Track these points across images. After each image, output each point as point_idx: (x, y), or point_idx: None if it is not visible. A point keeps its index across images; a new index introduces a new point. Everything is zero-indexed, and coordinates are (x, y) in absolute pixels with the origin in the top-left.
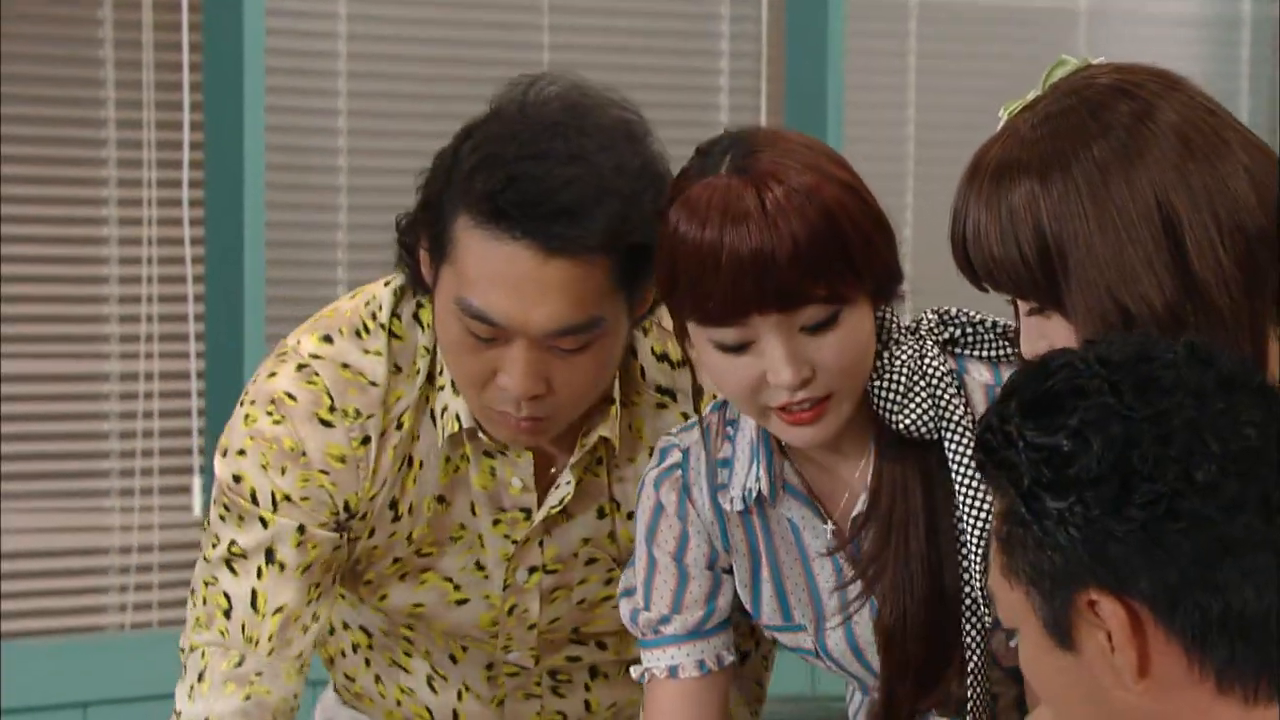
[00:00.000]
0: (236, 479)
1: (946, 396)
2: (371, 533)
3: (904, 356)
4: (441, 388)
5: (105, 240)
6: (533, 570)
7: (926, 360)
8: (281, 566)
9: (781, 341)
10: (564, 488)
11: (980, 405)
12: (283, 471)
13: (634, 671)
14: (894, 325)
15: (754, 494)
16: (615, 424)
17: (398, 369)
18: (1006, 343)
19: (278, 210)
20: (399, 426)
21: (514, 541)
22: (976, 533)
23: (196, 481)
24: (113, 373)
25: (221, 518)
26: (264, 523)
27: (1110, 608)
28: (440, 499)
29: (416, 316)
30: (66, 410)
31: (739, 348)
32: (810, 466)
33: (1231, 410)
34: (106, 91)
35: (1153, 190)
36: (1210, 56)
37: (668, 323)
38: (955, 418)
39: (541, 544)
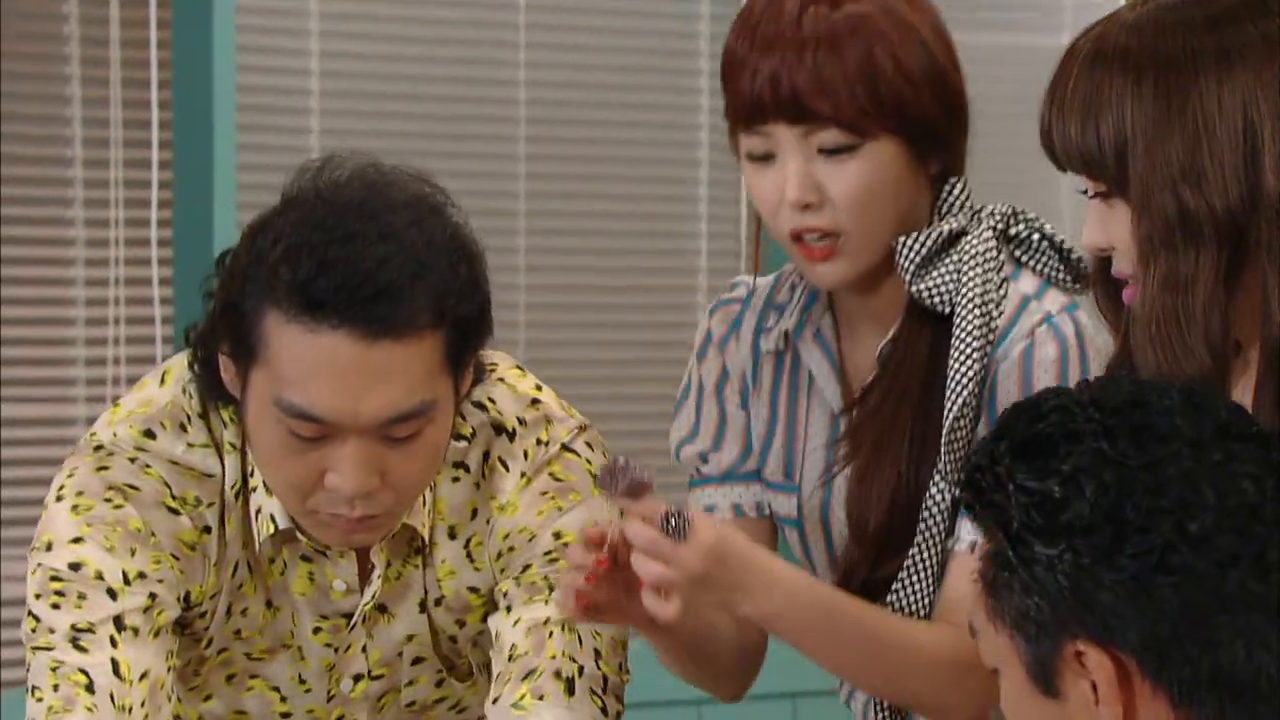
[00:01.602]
0: (75, 566)
1: (971, 272)
2: (209, 642)
3: (947, 228)
4: (254, 489)
5: (72, 281)
6: (358, 678)
7: (968, 237)
8: (135, 631)
9: (796, 157)
10: (375, 582)
11: (1010, 314)
12: (132, 553)
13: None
14: (957, 201)
15: (784, 336)
16: (423, 512)
17: (221, 462)
18: (1061, 265)
19: None
20: (224, 524)
21: (335, 649)
22: (954, 409)
23: None
24: (79, 417)
25: (55, 606)
26: (113, 594)
27: (1097, 659)
28: (269, 604)
29: (217, 408)
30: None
31: (763, 158)
32: (846, 331)
33: (1229, 461)
34: (74, 150)
35: (1241, 96)
36: None
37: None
38: (970, 294)
39: (365, 648)
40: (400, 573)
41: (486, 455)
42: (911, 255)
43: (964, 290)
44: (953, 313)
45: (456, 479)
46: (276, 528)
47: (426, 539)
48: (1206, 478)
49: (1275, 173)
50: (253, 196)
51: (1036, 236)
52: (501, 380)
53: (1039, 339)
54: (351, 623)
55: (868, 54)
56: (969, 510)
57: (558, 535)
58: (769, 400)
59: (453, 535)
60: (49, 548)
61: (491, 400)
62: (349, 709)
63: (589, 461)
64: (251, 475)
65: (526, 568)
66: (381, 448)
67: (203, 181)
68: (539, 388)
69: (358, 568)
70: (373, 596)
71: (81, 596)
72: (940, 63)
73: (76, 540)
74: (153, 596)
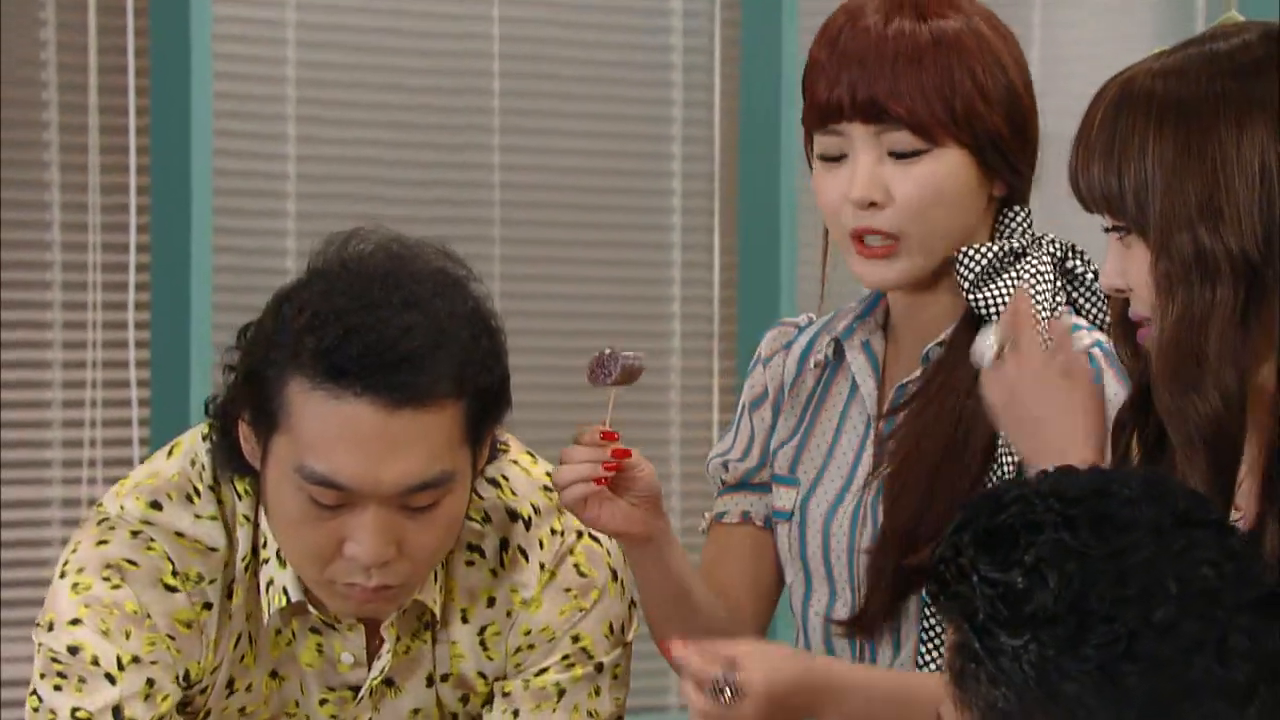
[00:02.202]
0: (73, 650)
1: (1032, 291)
2: (207, 714)
3: (1008, 245)
4: (266, 560)
5: (49, 364)
6: None
7: (1028, 258)
8: None
9: (866, 156)
10: (384, 657)
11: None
12: (127, 635)
13: (701, 525)
14: (1019, 227)
15: (833, 344)
16: (433, 588)
17: (229, 534)
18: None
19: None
20: (229, 596)
21: None
22: None
23: None
24: (54, 498)
25: (57, 688)
26: (111, 680)
27: None
28: (274, 674)
29: (231, 480)
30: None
31: (835, 158)
32: (893, 349)
33: (1189, 548)
34: (52, 234)
35: (1260, 144)
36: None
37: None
38: (1038, 299)
39: None
40: (409, 648)
41: (505, 544)
42: (971, 265)
43: (1036, 299)
44: None
45: (471, 562)
46: (288, 600)
47: (437, 614)
48: (1168, 565)
49: None
50: (230, 278)
51: (1090, 276)
52: (515, 462)
53: (1095, 357)
54: (359, 696)
55: (947, 68)
56: (934, 602)
57: (576, 639)
58: (801, 405)
59: (465, 619)
60: (50, 627)
61: (505, 478)
62: None
63: (609, 553)
64: (264, 547)
65: (542, 671)
66: (400, 517)
67: (180, 268)
68: (548, 473)
69: (366, 641)
70: (381, 671)
71: (82, 680)
72: (1017, 88)
73: (75, 622)
74: (150, 682)
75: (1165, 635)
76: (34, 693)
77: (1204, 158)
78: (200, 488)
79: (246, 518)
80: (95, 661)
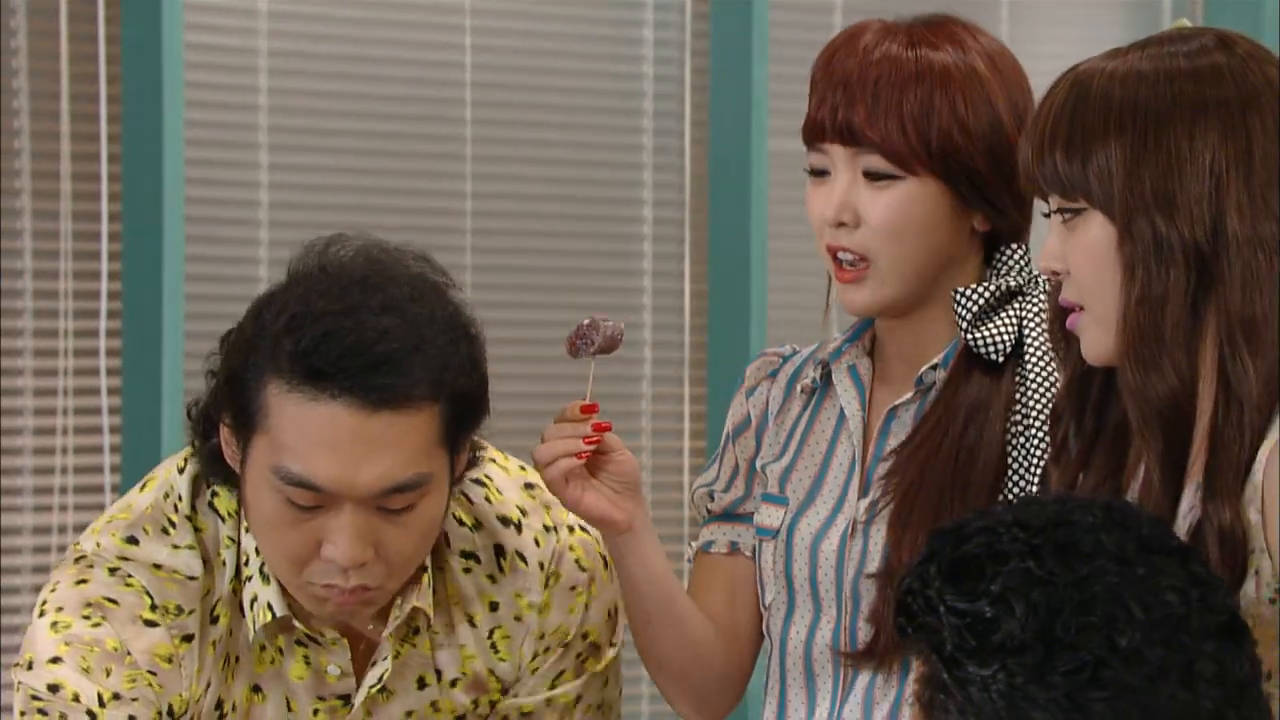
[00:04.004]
0: (54, 688)
1: (1036, 329)
2: None
3: (1004, 284)
4: (249, 578)
5: (20, 391)
6: None
7: (1027, 295)
8: None
9: (843, 177)
10: (381, 665)
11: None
12: (107, 673)
13: (688, 552)
14: (1015, 265)
15: (820, 367)
16: (427, 593)
17: (206, 562)
18: None
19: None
20: (214, 621)
21: None
22: (1034, 450)
23: None
24: (25, 526)
25: None
26: (93, 716)
27: None
28: (256, 689)
29: (212, 505)
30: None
31: (819, 174)
32: (880, 379)
33: (1153, 575)
34: (24, 261)
35: (1212, 142)
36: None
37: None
38: (1040, 344)
39: None
40: (399, 651)
41: (500, 549)
42: (969, 305)
43: (1031, 341)
44: (1005, 362)
45: (468, 569)
46: (273, 615)
47: (430, 616)
48: (1133, 592)
49: (1239, 213)
50: (202, 306)
51: None
52: (493, 460)
53: None
54: (351, 703)
55: (928, 97)
56: (902, 634)
57: (585, 635)
58: (788, 430)
59: (472, 623)
60: (30, 666)
61: (489, 478)
62: None
63: (598, 541)
64: (246, 565)
65: (561, 674)
66: (377, 519)
67: (152, 295)
68: (523, 468)
69: (350, 653)
70: (380, 678)
71: (63, 717)
72: (1004, 124)
73: (55, 660)
74: (131, 718)
75: (1131, 662)
76: None
77: (1159, 149)
78: (175, 519)
79: (231, 539)
80: (76, 699)
